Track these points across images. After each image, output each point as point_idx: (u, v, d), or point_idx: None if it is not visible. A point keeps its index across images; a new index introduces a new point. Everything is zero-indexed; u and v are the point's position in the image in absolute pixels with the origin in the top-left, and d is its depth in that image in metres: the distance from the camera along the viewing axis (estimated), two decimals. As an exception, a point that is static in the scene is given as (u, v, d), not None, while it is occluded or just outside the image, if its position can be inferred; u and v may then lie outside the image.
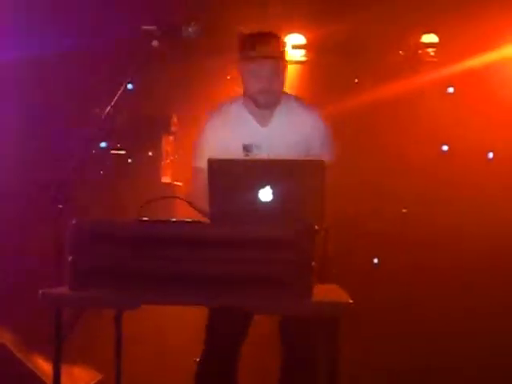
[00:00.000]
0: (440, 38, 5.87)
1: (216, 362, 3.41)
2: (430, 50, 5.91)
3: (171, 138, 5.84)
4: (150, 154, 5.77)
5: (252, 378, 3.80)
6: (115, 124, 5.03)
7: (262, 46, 3.35)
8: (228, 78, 5.62)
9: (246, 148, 3.44)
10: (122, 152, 5.72)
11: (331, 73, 5.87)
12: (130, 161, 5.74)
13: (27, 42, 5.33)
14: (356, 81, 5.95)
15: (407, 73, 5.79)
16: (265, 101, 3.40)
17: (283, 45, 3.49)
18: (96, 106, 4.96)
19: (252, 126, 3.48)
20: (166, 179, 5.88)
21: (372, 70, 5.84)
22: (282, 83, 3.43)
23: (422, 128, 5.72)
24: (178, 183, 5.76)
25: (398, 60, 5.91)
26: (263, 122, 3.48)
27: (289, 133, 3.47)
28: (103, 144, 5.51)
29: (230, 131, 3.47)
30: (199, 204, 3.19)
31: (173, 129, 5.79)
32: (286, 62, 3.47)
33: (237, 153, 3.42)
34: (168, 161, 5.84)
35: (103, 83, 4.99)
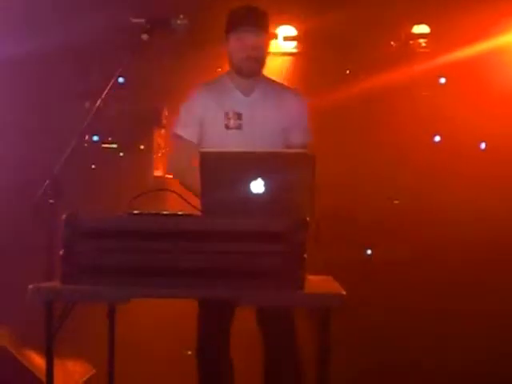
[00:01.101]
0: (431, 29, 5.85)
1: (210, 346, 3.54)
2: (422, 41, 5.89)
3: (162, 131, 5.82)
4: (142, 147, 5.75)
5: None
6: (106, 118, 5.02)
7: (247, 18, 3.54)
8: (219, 70, 5.58)
9: (228, 115, 3.58)
10: (114, 146, 5.70)
11: (323, 64, 5.85)
12: (121, 154, 5.73)
13: (16, 41, 5.31)
14: (348, 72, 5.93)
15: (399, 64, 5.77)
16: (248, 68, 3.57)
17: (267, 19, 3.63)
18: (86, 100, 4.97)
19: (234, 95, 3.64)
20: (158, 172, 5.86)
21: (363, 61, 5.82)
22: (265, 52, 3.62)
23: (414, 119, 5.71)
24: (170, 176, 5.74)
25: (390, 51, 5.89)
26: (246, 92, 3.64)
27: (269, 104, 3.63)
28: (94, 138, 5.50)
29: (215, 100, 3.62)
30: (187, 181, 3.42)
31: (164, 122, 5.77)
32: (269, 34, 3.67)
33: (217, 119, 3.57)
34: (160, 154, 5.82)
35: (94, 77, 4.98)
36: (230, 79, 3.66)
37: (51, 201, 3.30)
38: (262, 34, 3.57)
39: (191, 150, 3.52)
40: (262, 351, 3.54)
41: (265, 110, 3.61)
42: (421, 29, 5.91)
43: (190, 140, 3.61)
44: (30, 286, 2.59)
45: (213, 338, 3.55)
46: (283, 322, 3.46)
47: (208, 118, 3.60)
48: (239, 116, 3.57)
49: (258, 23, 3.56)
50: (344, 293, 2.56)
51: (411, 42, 5.91)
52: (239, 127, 3.56)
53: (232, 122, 3.56)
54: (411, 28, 5.92)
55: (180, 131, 3.65)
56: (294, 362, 3.50)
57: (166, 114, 5.76)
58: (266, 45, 3.64)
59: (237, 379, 3.62)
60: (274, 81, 3.76)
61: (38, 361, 4.38)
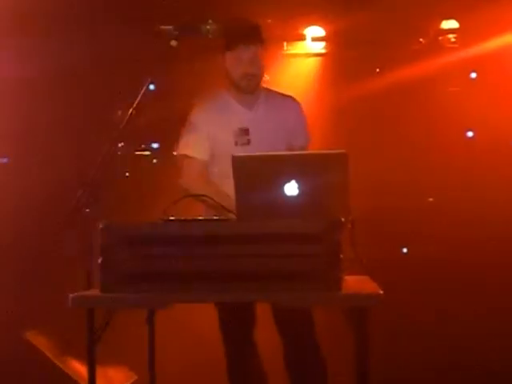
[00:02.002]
0: (460, 24, 5.81)
1: (238, 358, 3.60)
2: (451, 36, 5.86)
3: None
4: (175, 153, 5.78)
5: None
6: (138, 125, 5.05)
7: (242, 36, 3.54)
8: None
9: (236, 132, 3.58)
10: (147, 153, 5.74)
11: (352, 64, 5.84)
12: (154, 161, 5.77)
13: (54, 52, 5.37)
14: (377, 70, 5.92)
15: (429, 60, 5.74)
16: (247, 85, 3.57)
17: (260, 31, 3.64)
18: (119, 108, 5.01)
19: (238, 111, 3.63)
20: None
21: (393, 59, 5.80)
22: (262, 68, 3.61)
23: (446, 115, 5.68)
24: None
25: (419, 48, 5.86)
26: (249, 106, 3.65)
27: (273, 116, 3.64)
28: (126, 146, 5.54)
29: (219, 116, 3.62)
30: (195, 190, 3.37)
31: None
32: (265, 49, 3.63)
33: (226, 137, 3.57)
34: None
35: (125, 85, 5.01)
36: (231, 95, 3.65)
37: (87, 209, 3.32)
38: (257, 48, 3.56)
39: (205, 168, 3.59)
40: (283, 352, 3.55)
41: (269, 122, 3.62)
42: (449, 24, 5.88)
43: (202, 159, 3.61)
44: (71, 295, 2.61)
45: (241, 351, 3.61)
46: (303, 321, 3.47)
47: (215, 136, 3.59)
48: (246, 132, 3.58)
49: (253, 39, 3.56)
50: (381, 292, 2.55)
51: (440, 37, 5.88)
52: (247, 143, 3.57)
53: (240, 139, 3.57)
54: (440, 24, 5.89)
55: (186, 151, 3.63)
56: (317, 360, 3.52)
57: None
58: (262, 57, 3.61)
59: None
60: (271, 90, 3.76)
61: (79, 368, 4.43)
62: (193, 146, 3.62)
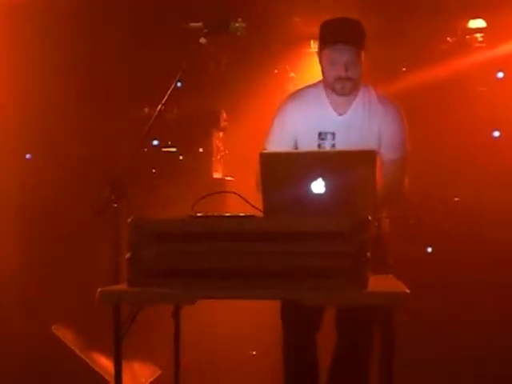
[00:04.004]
0: (488, 23, 5.78)
1: (296, 351, 3.45)
2: (478, 36, 5.81)
3: (221, 133, 5.86)
4: (201, 150, 5.79)
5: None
6: (165, 122, 5.07)
7: (341, 34, 3.37)
8: (275, 71, 5.63)
9: (321, 135, 3.45)
10: (173, 149, 5.76)
11: (378, 63, 5.81)
12: (181, 158, 5.78)
13: (83, 49, 5.41)
14: (404, 70, 5.90)
15: (456, 59, 5.71)
16: (341, 88, 3.41)
17: (363, 32, 3.47)
18: (146, 105, 5.04)
19: (328, 113, 3.49)
20: (217, 175, 5.90)
21: (419, 58, 5.77)
22: (359, 71, 3.43)
23: (473, 114, 5.64)
24: (230, 178, 5.78)
25: (446, 47, 5.83)
26: (340, 110, 3.49)
27: (365, 123, 3.47)
28: (154, 142, 5.57)
29: (306, 115, 3.50)
30: None
31: (222, 124, 5.80)
32: (365, 50, 3.45)
33: (310, 138, 3.45)
34: (219, 156, 5.86)
35: (153, 82, 5.03)
36: (324, 94, 3.50)
37: (114, 205, 3.35)
38: (357, 51, 3.38)
39: None
40: (334, 349, 3.46)
41: (359, 128, 3.46)
42: (477, 23, 5.83)
43: None
44: (99, 290, 2.64)
45: (298, 342, 3.45)
46: (360, 324, 3.33)
47: (300, 135, 3.49)
48: (333, 136, 3.44)
49: (352, 40, 3.37)
50: (407, 291, 2.55)
51: (467, 36, 5.84)
52: (332, 147, 3.43)
53: (325, 142, 3.44)
54: (467, 23, 5.85)
55: (274, 148, 3.51)
56: (360, 364, 3.41)
57: (224, 116, 5.80)
58: (361, 62, 3.42)
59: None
60: (371, 93, 3.54)
61: (104, 362, 4.46)
62: (277, 143, 3.52)
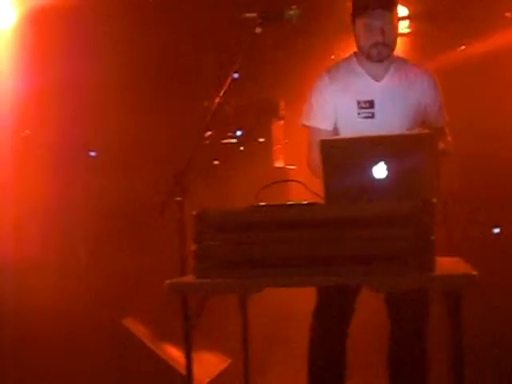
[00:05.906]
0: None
1: (326, 344, 3.43)
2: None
3: (281, 122, 5.87)
4: (261, 140, 5.81)
5: (360, 354, 3.79)
6: (224, 114, 5.10)
7: (373, 0, 3.33)
8: (332, 57, 5.61)
9: (359, 104, 3.42)
10: (234, 141, 5.79)
11: (437, 42, 5.75)
12: (241, 149, 5.81)
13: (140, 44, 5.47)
14: (463, 47, 5.82)
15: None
16: (378, 54, 3.39)
17: None
18: (205, 98, 5.07)
19: (365, 80, 3.47)
20: (278, 164, 5.91)
21: (479, 35, 5.68)
22: (395, 35, 3.42)
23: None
24: (291, 167, 5.78)
25: (505, 22, 5.73)
26: (377, 76, 3.47)
27: (404, 88, 3.45)
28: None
29: (341, 86, 3.47)
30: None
31: (281, 113, 5.81)
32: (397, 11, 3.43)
33: (349, 108, 3.43)
34: (279, 145, 5.87)
35: (210, 75, 5.07)
36: (359, 63, 3.48)
37: (178, 198, 3.38)
38: (390, 15, 3.35)
39: None
40: (389, 335, 3.44)
41: (397, 96, 3.43)
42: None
43: (326, 129, 3.47)
44: (167, 282, 2.67)
45: (330, 335, 3.42)
46: (415, 306, 3.32)
47: (339, 106, 3.46)
48: (371, 104, 3.40)
49: (387, 5, 3.34)
50: (475, 273, 2.51)
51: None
52: (372, 116, 3.40)
53: (364, 111, 3.41)
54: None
55: (309, 122, 3.51)
56: (420, 350, 3.38)
57: (283, 105, 5.80)
58: (395, 26, 3.40)
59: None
60: (405, 60, 3.55)
61: (174, 353, 4.51)
62: (320, 119, 3.49)
